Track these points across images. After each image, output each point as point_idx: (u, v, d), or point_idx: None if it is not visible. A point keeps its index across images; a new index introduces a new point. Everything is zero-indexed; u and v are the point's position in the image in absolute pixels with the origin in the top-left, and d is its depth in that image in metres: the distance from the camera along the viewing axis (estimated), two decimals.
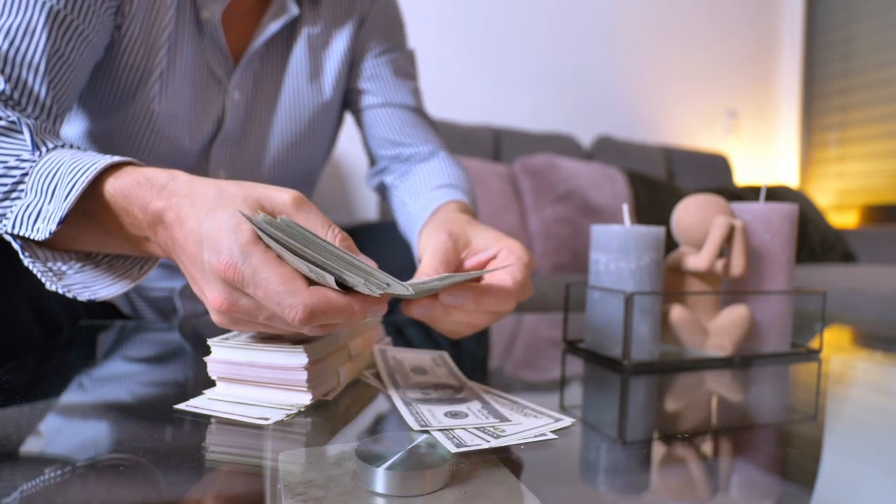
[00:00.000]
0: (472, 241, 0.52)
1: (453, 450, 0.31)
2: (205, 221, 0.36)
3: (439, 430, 0.35)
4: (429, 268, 0.47)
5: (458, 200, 0.69)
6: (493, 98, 2.43)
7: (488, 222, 1.86)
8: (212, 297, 0.36)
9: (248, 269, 0.34)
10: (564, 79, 2.57)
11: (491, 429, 0.36)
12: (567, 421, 0.38)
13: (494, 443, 0.33)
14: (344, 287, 0.35)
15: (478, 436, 0.34)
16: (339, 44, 0.79)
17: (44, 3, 0.54)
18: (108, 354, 0.58)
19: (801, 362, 0.62)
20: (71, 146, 0.50)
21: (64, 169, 0.43)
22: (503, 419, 0.38)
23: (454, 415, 0.38)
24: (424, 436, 0.33)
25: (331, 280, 0.34)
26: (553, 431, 0.36)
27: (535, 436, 0.35)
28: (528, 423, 0.37)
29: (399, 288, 0.35)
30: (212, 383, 0.41)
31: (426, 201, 0.71)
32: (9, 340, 0.58)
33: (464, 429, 0.35)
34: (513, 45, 2.46)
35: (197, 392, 0.41)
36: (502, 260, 0.49)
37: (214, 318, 0.38)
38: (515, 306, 0.48)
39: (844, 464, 0.36)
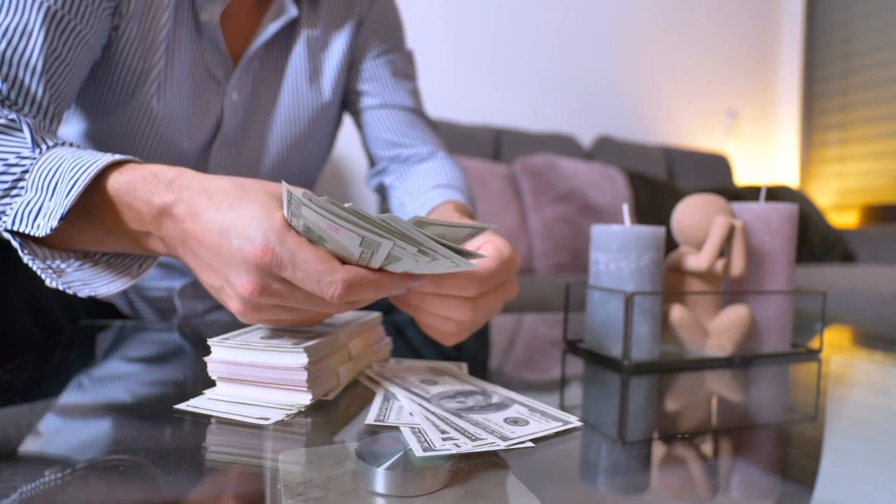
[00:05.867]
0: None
1: (419, 453, 0.30)
2: (229, 212, 0.38)
3: (408, 425, 0.35)
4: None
5: (454, 200, 0.69)
6: (494, 98, 2.43)
7: (488, 222, 1.86)
8: (240, 283, 0.37)
9: (285, 252, 0.36)
10: (565, 79, 2.57)
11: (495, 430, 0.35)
12: (574, 422, 0.37)
13: (465, 448, 0.32)
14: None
15: (449, 437, 0.33)
16: (338, 45, 0.79)
17: (41, 4, 0.54)
18: (108, 354, 0.58)
19: (801, 362, 0.62)
20: (70, 144, 0.50)
21: (66, 166, 0.44)
22: (561, 420, 0.38)
23: (514, 422, 0.37)
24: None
25: (387, 245, 0.35)
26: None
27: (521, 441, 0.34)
28: (534, 427, 0.36)
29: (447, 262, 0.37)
30: (212, 383, 0.41)
31: (423, 202, 0.71)
32: (9, 340, 0.58)
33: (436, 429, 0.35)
34: (513, 45, 2.46)
35: (197, 392, 0.41)
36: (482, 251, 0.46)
37: (236, 307, 0.39)
38: (500, 307, 0.46)
39: (844, 464, 0.35)
